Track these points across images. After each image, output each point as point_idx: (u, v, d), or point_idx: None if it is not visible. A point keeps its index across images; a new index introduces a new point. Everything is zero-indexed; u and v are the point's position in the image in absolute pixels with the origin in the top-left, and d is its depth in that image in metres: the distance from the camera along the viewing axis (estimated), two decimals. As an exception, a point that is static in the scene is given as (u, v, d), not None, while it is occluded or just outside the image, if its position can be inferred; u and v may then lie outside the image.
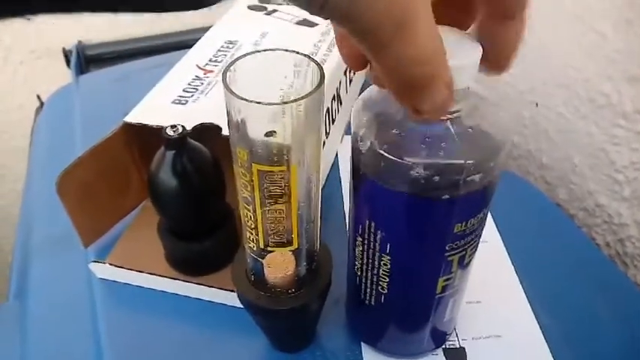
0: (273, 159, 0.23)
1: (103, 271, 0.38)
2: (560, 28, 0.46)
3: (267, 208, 0.25)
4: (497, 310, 0.36)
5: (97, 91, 0.59)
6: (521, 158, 0.55)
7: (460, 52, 0.20)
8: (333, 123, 0.45)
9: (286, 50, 0.23)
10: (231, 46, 0.45)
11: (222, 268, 0.37)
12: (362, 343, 0.34)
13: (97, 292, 0.38)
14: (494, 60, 0.21)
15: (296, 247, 0.27)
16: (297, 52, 0.23)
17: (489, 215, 0.27)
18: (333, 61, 0.44)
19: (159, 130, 0.33)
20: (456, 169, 0.22)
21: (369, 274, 0.28)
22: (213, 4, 0.14)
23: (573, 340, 0.34)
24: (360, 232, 0.27)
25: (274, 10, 0.51)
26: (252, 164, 0.23)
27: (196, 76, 0.41)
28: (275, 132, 0.22)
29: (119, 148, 0.38)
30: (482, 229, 0.27)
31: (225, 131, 0.33)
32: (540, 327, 0.35)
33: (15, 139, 0.81)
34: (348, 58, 0.21)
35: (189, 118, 0.35)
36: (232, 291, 0.33)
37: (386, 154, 0.23)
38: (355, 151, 0.25)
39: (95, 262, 0.38)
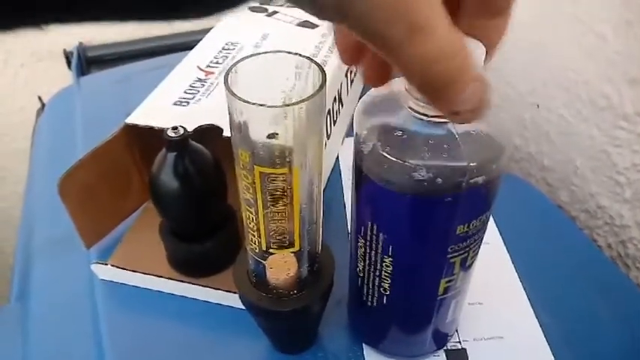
0: (275, 161, 0.23)
1: (104, 272, 0.38)
2: (560, 30, 0.46)
3: (269, 210, 0.25)
4: (499, 311, 0.36)
5: (98, 93, 0.59)
6: (522, 160, 0.55)
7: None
8: (334, 125, 0.45)
9: (288, 52, 0.23)
10: (232, 47, 0.45)
11: (223, 270, 0.37)
12: (364, 345, 0.34)
13: (99, 294, 0.38)
14: None
15: (298, 248, 0.27)
16: (299, 54, 0.23)
17: (491, 217, 0.27)
18: (335, 63, 0.44)
19: (160, 132, 0.33)
20: (458, 171, 0.22)
21: (371, 275, 0.28)
22: (223, 11, 0.14)
23: (575, 341, 0.34)
24: (362, 233, 0.27)
25: (275, 12, 0.51)
26: (254, 166, 0.23)
27: (197, 78, 0.41)
28: (277, 134, 0.22)
29: (120, 149, 0.38)
30: (484, 231, 0.27)
31: (227, 132, 0.34)
32: (542, 328, 0.35)
33: (16, 141, 0.81)
34: (342, 51, 0.21)
35: (190, 119, 0.35)
36: (234, 292, 0.33)
37: (389, 156, 0.23)
38: (358, 153, 0.25)
39: (97, 263, 0.38)
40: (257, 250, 0.27)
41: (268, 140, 0.23)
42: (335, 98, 0.44)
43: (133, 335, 0.35)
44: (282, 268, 0.28)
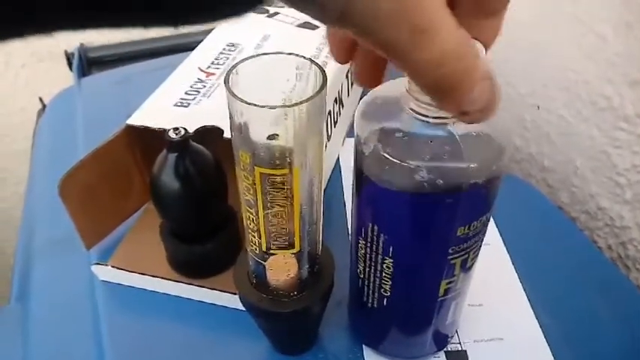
0: (275, 162, 0.23)
1: (105, 273, 0.38)
2: (560, 30, 0.46)
3: (270, 211, 0.25)
4: (499, 312, 0.36)
5: (99, 94, 0.59)
6: (523, 161, 0.55)
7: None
8: (334, 126, 0.45)
9: (288, 53, 0.23)
10: (232, 48, 0.45)
11: (224, 271, 0.37)
12: (364, 346, 0.34)
13: (99, 295, 0.38)
14: None
15: (298, 249, 0.27)
16: (299, 55, 0.23)
17: (491, 218, 0.27)
18: (335, 64, 0.43)
19: (161, 133, 0.33)
20: (459, 172, 0.22)
21: (372, 276, 0.28)
22: (226, 19, 0.14)
23: (575, 343, 0.34)
24: (362, 234, 0.27)
25: (276, 13, 0.51)
26: (255, 167, 0.23)
27: (198, 79, 0.41)
28: (277, 135, 0.22)
29: (121, 150, 0.38)
30: (484, 232, 0.27)
31: (227, 133, 0.34)
32: (542, 330, 0.35)
33: (17, 141, 0.81)
34: (335, 49, 0.21)
35: (191, 120, 0.35)
36: (234, 293, 0.33)
37: (389, 157, 0.23)
38: (358, 154, 0.25)
39: (97, 264, 0.38)
40: (257, 251, 0.27)
41: (269, 141, 0.23)
42: (335, 99, 0.44)
43: (133, 336, 0.35)
44: (282, 269, 0.28)
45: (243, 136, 0.23)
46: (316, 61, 0.23)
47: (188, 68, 0.43)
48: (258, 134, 0.22)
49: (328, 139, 0.43)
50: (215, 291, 0.36)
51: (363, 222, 0.26)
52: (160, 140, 0.33)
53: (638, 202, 0.43)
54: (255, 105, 0.21)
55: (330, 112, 0.43)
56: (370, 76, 0.22)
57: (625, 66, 0.41)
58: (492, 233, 0.41)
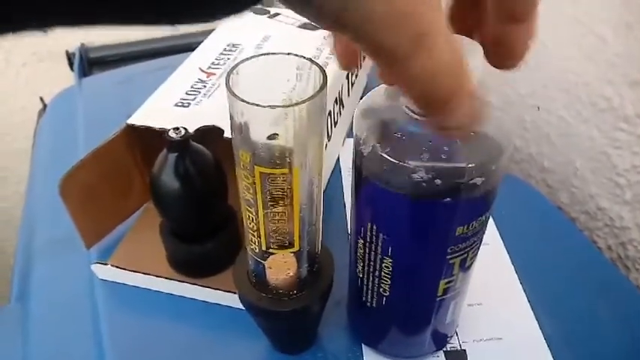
0: (275, 161, 0.23)
1: (105, 272, 0.38)
2: (560, 31, 0.46)
3: (269, 211, 0.25)
4: (499, 312, 0.36)
5: (99, 94, 0.59)
6: (522, 162, 0.55)
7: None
8: (335, 126, 0.45)
9: (289, 54, 0.23)
10: (233, 49, 0.46)
11: (223, 270, 0.37)
12: (363, 345, 0.34)
13: (99, 294, 0.38)
14: (506, 60, 0.21)
15: (297, 249, 0.27)
16: (300, 56, 0.23)
17: (491, 218, 0.27)
18: (335, 65, 0.44)
19: (161, 133, 0.33)
20: (458, 172, 0.22)
21: (371, 276, 0.28)
22: (226, 17, 0.14)
23: (574, 343, 0.34)
24: (361, 234, 0.27)
25: (277, 14, 0.51)
26: (255, 167, 0.23)
27: (199, 79, 0.41)
28: (277, 135, 0.22)
29: (122, 150, 0.38)
30: (483, 232, 0.27)
31: (228, 133, 0.34)
32: (541, 330, 0.35)
33: (17, 141, 0.81)
34: (340, 56, 0.21)
35: (191, 120, 0.35)
36: (234, 293, 0.33)
37: (388, 157, 0.23)
38: (357, 154, 0.25)
39: (97, 263, 0.38)
40: (257, 251, 0.27)
41: (269, 141, 0.23)
42: (336, 100, 0.44)
43: (133, 335, 0.35)
44: (281, 269, 0.28)
45: (244, 136, 0.23)
46: (316, 61, 0.23)
47: (189, 68, 0.43)
48: (259, 134, 0.22)
49: (328, 140, 0.43)
50: (215, 290, 0.36)
51: (363, 222, 0.27)
52: (161, 140, 0.33)
53: (637, 203, 0.43)
54: (256, 105, 0.21)
55: (330, 113, 0.43)
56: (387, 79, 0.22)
57: (625, 67, 0.41)
58: (492, 233, 0.41)
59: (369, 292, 0.29)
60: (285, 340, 0.33)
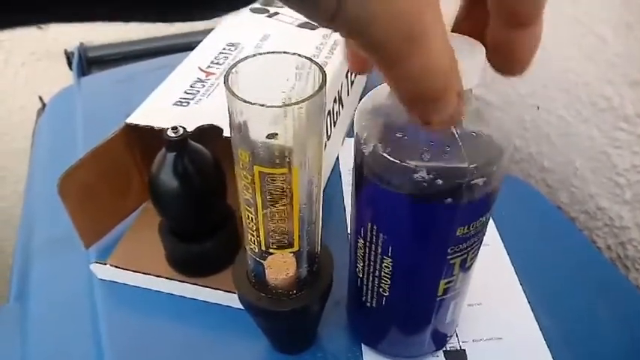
0: (274, 161, 0.23)
1: (103, 272, 0.38)
2: (560, 32, 0.46)
3: (269, 210, 0.25)
4: (498, 312, 0.36)
5: (98, 93, 0.59)
6: (522, 161, 0.55)
7: (462, 54, 0.20)
8: (334, 125, 0.45)
9: (288, 53, 0.23)
10: (232, 48, 0.45)
11: (222, 270, 0.37)
12: (363, 345, 0.34)
13: (98, 293, 0.38)
14: (510, 67, 0.21)
15: (297, 249, 0.27)
16: (299, 55, 0.23)
17: (491, 218, 0.27)
18: (335, 64, 0.44)
19: (160, 132, 0.33)
20: (459, 172, 0.22)
21: (371, 276, 0.28)
22: (224, 14, 0.14)
23: (574, 342, 0.34)
24: (361, 234, 0.27)
25: (276, 13, 0.51)
26: (254, 166, 0.23)
27: (198, 78, 0.41)
28: (277, 134, 0.22)
29: (120, 149, 0.38)
30: (484, 233, 0.27)
31: (226, 133, 0.34)
32: (541, 329, 0.35)
33: (16, 140, 0.81)
34: (352, 60, 0.21)
35: (190, 119, 0.35)
36: (233, 292, 0.33)
37: (389, 157, 0.23)
38: (358, 154, 0.25)
39: (96, 263, 0.38)
40: (256, 250, 0.27)
41: (268, 140, 0.23)
42: (335, 99, 0.44)
43: (132, 335, 0.35)
44: (281, 268, 0.28)
45: (243, 135, 0.23)
46: (316, 60, 0.23)
47: (188, 68, 0.43)
48: (258, 133, 0.22)
49: (328, 139, 0.43)
50: (214, 290, 0.36)
51: (363, 221, 0.26)
52: (160, 139, 0.33)
53: (637, 203, 0.43)
54: (255, 104, 0.21)
55: (329, 112, 0.43)
56: None
57: (625, 67, 0.41)
58: (492, 233, 0.41)
59: (369, 292, 0.29)
60: (284, 340, 0.33)
